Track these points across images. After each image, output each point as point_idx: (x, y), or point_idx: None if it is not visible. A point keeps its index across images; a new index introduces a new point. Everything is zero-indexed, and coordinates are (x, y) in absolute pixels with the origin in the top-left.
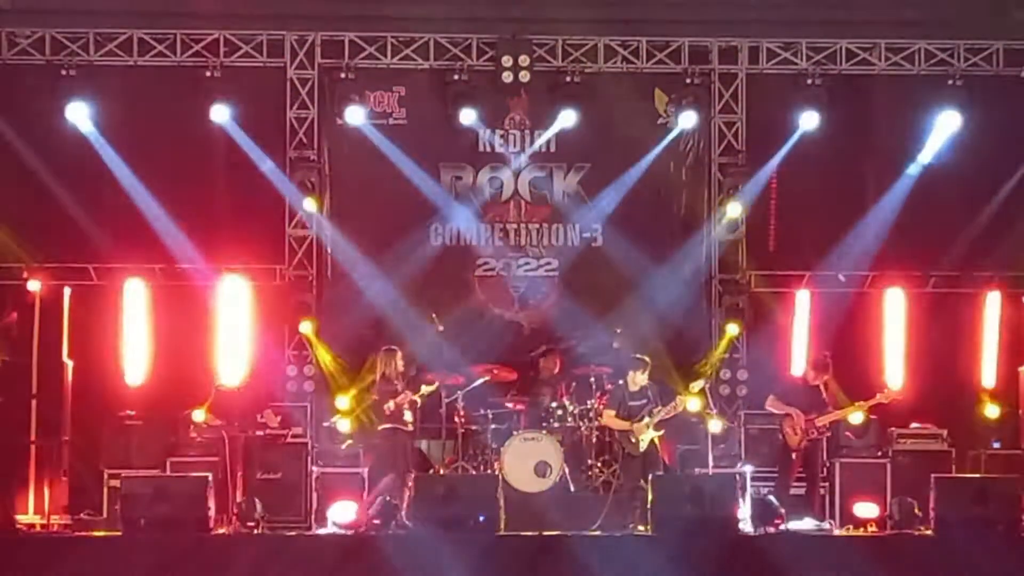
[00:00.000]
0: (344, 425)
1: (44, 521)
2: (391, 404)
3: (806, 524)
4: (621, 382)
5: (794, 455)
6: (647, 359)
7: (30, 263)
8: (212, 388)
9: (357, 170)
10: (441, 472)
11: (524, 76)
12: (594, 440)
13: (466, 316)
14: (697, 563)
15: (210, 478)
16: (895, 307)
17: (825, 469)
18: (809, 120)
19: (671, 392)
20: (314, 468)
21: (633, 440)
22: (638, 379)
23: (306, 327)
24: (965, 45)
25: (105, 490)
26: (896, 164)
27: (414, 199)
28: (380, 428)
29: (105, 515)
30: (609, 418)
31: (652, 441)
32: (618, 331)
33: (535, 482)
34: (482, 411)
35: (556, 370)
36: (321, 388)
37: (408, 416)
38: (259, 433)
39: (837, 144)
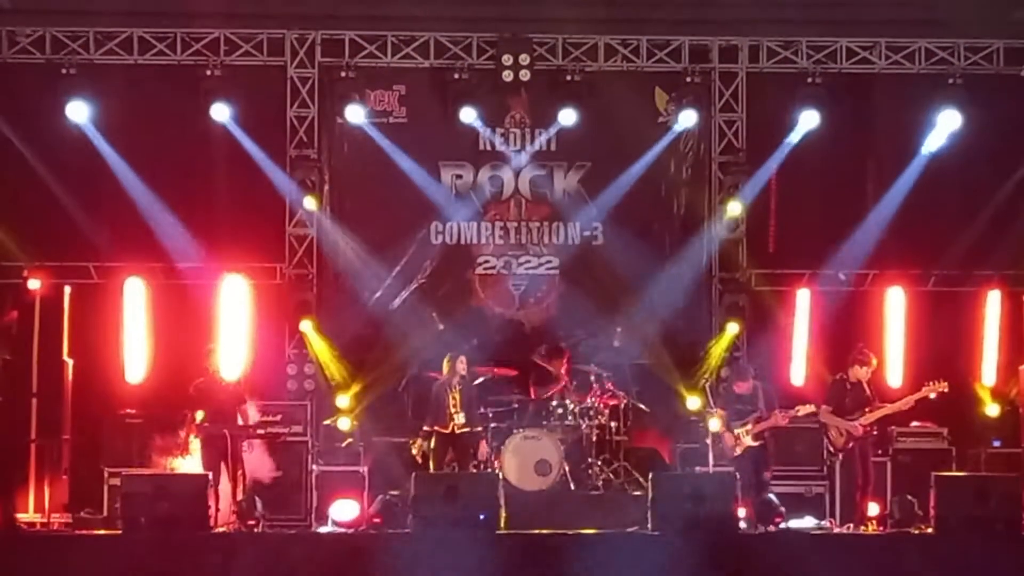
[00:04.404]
0: (344, 423)
1: (44, 520)
2: None
3: (806, 523)
4: (730, 385)
5: (840, 456)
6: (750, 369)
7: (30, 262)
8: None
9: (357, 169)
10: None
11: (524, 75)
12: (594, 439)
13: (467, 314)
14: (697, 562)
15: (211, 477)
16: (895, 306)
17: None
18: (809, 119)
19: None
20: (314, 466)
21: (728, 444)
22: (743, 385)
23: (306, 326)
24: (965, 44)
25: (105, 488)
26: (896, 162)
27: (414, 198)
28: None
29: (105, 514)
30: (719, 417)
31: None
32: (618, 329)
33: (535, 481)
34: (482, 409)
35: (563, 370)
36: (321, 387)
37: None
38: (260, 432)
39: (838, 143)
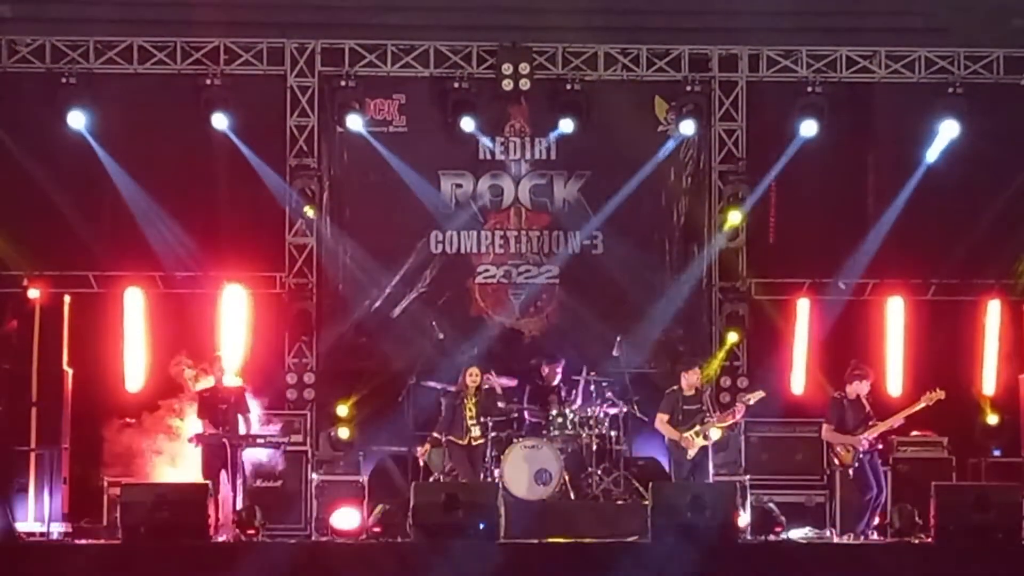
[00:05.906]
0: (344, 433)
1: (44, 529)
2: None
3: (806, 532)
4: (676, 386)
5: (850, 472)
6: (698, 359)
7: (30, 271)
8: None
9: (357, 178)
10: (441, 480)
11: (524, 84)
12: (594, 448)
13: (466, 323)
14: (696, 571)
15: (211, 486)
16: (895, 315)
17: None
18: (809, 128)
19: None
20: (314, 476)
21: (683, 447)
22: (692, 381)
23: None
24: (965, 53)
25: (105, 498)
26: (897, 172)
27: (414, 207)
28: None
29: (105, 523)
30: (661, 423)
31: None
32: (618, 338)
33: (535, 490)
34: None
35: (556, 380)
36: (321, 396)
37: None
38: (259, 441)
39: (838, 151)
